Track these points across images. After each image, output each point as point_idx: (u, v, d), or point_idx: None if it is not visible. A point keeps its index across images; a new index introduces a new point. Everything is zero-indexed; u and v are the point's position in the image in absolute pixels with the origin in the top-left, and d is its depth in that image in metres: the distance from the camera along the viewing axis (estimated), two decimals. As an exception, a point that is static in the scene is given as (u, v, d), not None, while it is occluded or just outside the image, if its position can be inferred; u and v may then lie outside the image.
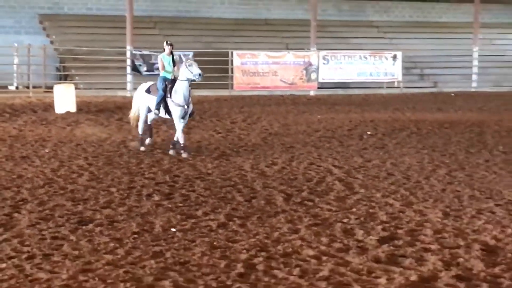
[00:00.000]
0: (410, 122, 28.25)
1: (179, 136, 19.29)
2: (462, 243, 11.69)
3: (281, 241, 11.69)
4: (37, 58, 40.17)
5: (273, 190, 15.59)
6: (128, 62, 41.02)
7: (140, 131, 20.45)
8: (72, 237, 11.77)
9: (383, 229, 12.47)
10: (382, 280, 9.84)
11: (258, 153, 20.61)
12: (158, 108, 19.49)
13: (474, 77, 47.32)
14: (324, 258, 10.82)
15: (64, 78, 40.64)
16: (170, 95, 19.14)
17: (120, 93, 40.00)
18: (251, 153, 20.57)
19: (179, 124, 19.17)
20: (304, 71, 43.26)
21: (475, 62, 47.52)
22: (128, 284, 9.54)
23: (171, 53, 19.84)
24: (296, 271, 10.19)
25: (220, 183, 16.31)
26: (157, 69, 41.01)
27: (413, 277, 9.97)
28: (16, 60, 40.37)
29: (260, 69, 42.47)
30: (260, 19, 48.81)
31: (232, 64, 42.17)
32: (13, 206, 13.83)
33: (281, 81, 42.80)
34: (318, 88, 42.96)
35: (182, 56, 20.50)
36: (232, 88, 41.89)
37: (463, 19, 51.03)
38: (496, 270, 10.35)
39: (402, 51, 45.51)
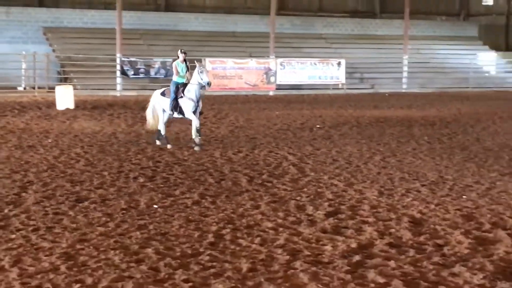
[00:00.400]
0: (351, 117, 28.36)
1: (193, 126, 18.53)
2: (393, 216, 11.75)
3: (245, 216, 11.69)
4: (41, 63, 40.11)
5: (238, 174, 15.59)
6: (118, 67, 41.12)
7: (162, 131, 19.20)
8: (71, 213, 11.72)
9: (329, 205, 12.51)
10: (328, 247, 9.87)
11: (226, 143, 20.61)
12: (172, 109, 18.63)
13: (404, 80, 47.61)
14: (280, 229, 10.84)
15: (64, 80, 40.47)
16: (184, 94, 18.42)
17: (111, 93, 40.26)
18: (220, 143, 20.55)
19: (193, 116, 18.43)
20: (265, 75, 43.47)
21: (405, 68, 47.83)
22: (117, 252, 9.51)
23: (185, 60, 18.91)
24: (257, 240, 10.20)
25: (195, 168, 16.29)
26: (142, 72, 41.88)
27: (353, 245, 10.01)
28: (23, 65, 40.24)
29: (228, 73, 42.71)
30: (228, 32, 48.84)
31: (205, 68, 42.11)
32: (21, 187, 13.76)
33: (245, 83, 42.97)
34: (276, 89, 43.15)
35: (196, 62, 19.33)
36: (204, 88, 41.79)
37: (395, 33, 51.31)
38: (421, 238, 10.42)
39: (345, 59, 45.89)
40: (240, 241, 10.15)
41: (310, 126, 25.07)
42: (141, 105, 32.76)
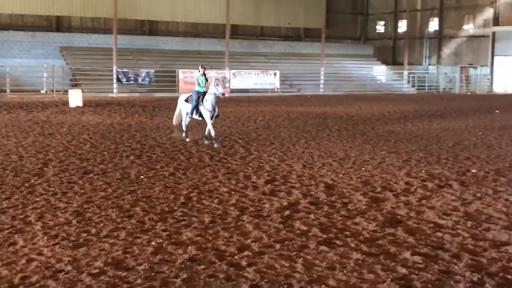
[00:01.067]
0: (284, 112, 28.41)
1: (210, 130, 16.94)
2: (313, 183, 11.83)
3: (207, 183, 11.67)
4: (58, 73, 39.42)
5: (202, 153, 15.53)
6: (114, 76, 40.82)
7: (184, 128, 17.91)
8: (80, 182, 11.57)
9: (268, 175, 12.55)
10: (267, 205, 9.91)
11: (193, 131, 20.43)
12: (192, 113, 17.27)
13: (321, 85, 47.79)
14: (233, 193, 10.85)
15: (75, 85, 39.84)
16: (203, 103, 16.94)
17: (109, 94, 39.79)
18: (189, 131, 20.40)
19: (209, 122, 16.91)
20: (222, 82, 43.41)
21: (322, 77, 48.03)
22: (114, 210, 9.45)
23: (204, 74, 17.48)
24: (216, 200, 10.20)
25: (171, 149, 16.18)
26: (132, 79, 41.59)
27: (285, 203, 10.07)
28: (45, 75, 39.50)
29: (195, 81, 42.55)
30: (195, 50, 48.52)
31: (178, 77, 42.10)
32: (43, 163, 13.53)
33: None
34: (230, 92, 42.93)
35: (213, 78, 18.64)
36: (178, 91, 41.78)
37: (315, 51, 51.40)
38: (333, 198, 10.51)
39: (279, 70, 46.03)
40: (204, 201, 10.14)
41: (254, 119, 25.06)
42: (131, 103, 32.57)
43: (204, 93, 17.09)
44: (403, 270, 6.83)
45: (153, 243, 7.76)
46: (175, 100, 35.89)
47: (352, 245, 7.79)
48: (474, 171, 13.40)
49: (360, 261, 7.14)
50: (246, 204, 9.95)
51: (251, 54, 50.34)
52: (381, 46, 60.07)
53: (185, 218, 9.02)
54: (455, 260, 7.21)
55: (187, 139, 17.69)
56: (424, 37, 57.35)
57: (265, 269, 6.81)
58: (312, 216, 9.24)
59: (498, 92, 51.16)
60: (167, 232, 8.24)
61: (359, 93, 46.70)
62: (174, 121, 18.72)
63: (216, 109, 17.01)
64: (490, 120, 25.63)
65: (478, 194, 10.93)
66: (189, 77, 42.24)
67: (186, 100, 17.73)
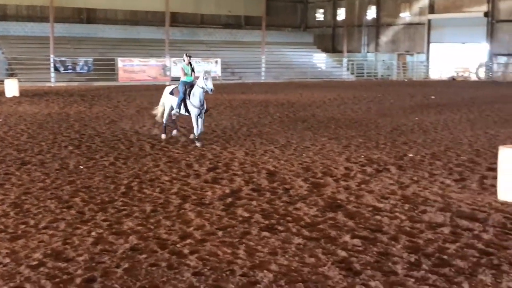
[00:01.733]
0: (225, 100, 28.37)
1: (194, 128, 15.01)
2: (255, 170, 11.88)
3: (148, 172, 11.57)
4: (-6, 62, 38.42)
5: (143, 142, 15.37)
6: (52, 65, 40.00)
7: (164, 121, 15.94)
8: (17, 173, 11.29)
9: (210, 163, 12.53)
10: (209, 193, 9.89)
11: (134, 119, 20.26)
12: (179, 107, 15.29)
13: (262, 73, 47.92)
14: (175, 181, 10.79)
15: (11, 75, 38.78)
16: (189, 97, 14.94)
17: (47, 84, 38.89)
18: (130, 120, 20.18)
19: (195, 121, 14.88)
20: (162, 70, 43.11)
21: (263, 65, 48.15)
22: (53, 201, 9.26)
23: (189, 63, 15.59)
24: (157, 189, 10.12)
25: (110, 138, 15.94)
26: (70, 68, 40.78)
27: (227, 190, 10.07)
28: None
29: (135, 69, 42.20)
30: (135, 39, 47.82)
31: (117, 66, 41.54)
32: (-22, 155, 13.15)
33: (148, 76, 42.42)
34: (171, 80, 42.69)
35: (202, 71, 15.31)
36: (118, 80, 41.32)
37: (256, 39, 51.43)
38: (274, 184, 10.59)
39: (220, 58, 45.95)
40: (145, 190, 10.04)
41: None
42: (70, 92, 31.90)
43: (192, 85, 15.16)
44: (343, 253, 6.94)
45: (93, 233, 7.64)
46: (115, 89, 35.64)
47: (294, 230, 7.86)
48: (411, 155, 13.72)
49: (301, 246, 7.22)
50: (188, 193, 9.90)
51: (191, 42, 49.96)
52: (321, 34, 60.62)
53: (126, 207, 8.92)
54: (393, 242, 7.37)
55: (163, 136, 15.83)
56: (363, 25, 58.19)
57: (207, 257, 6.81)
58: (254, 202, 9.28)
59: (434, 79, 52.45)
60: (108, 222, 8.13)
61: (300, 81, 47.05)
62: (159, 117, 16.54)
63: (205, 104, 15.16)
64: (426, 105, 26.25)
65: (415, 178, 11.20)
66: (128, 66, 41.89)
67: (172, 93, 15.80)
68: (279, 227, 7.97)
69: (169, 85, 16.07)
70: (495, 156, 11.07)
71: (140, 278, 6.16)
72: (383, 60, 56.29)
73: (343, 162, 12.80)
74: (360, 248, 7.15)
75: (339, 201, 9.41)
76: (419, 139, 16.25)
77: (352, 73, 53.78)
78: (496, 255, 6.91)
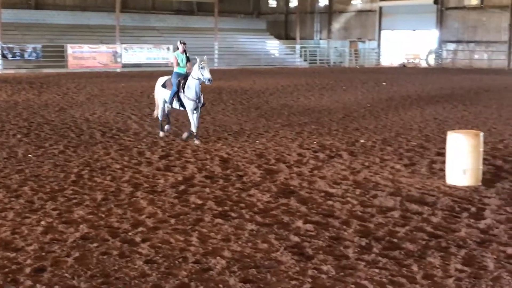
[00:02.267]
0: (178, 87, 28.13)
1: (191, 124, 13.43)
2: (208, 157, 11.86)
3: (99, 160, 11.43)
4: None
5: (94, 130, 15.16)
6: (-1, 51, 39.10)
7: (160, 117, 14.26)
8: (-38, 163, 11.01)
9: (162, 151, 12.45)
10: (161, 181, 9.84)
11: (84, 107, 19.95)
12: (171, 102, 13.69)
13: (215, 60, 47.73)
14: (126, 169, 10.69)
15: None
16: (184, 90, 13.35)
17: (-6, 71, 38.03)
18: (80, 107, 19.87)
19: (191, 115, 13.35)
20: (113, 57, 42.54)
21: (216, 51, 47.97)
22: (1, 190, 9.06)
23: (184, 51, 13.69)
24: (108, 177, 10.01)
25: (60, 126, 15.67)
26: (18, 55, 39.83)
27: (180, 178, 10.04)
28: None
29: (85, 55, 41.55)
30: (84, 25, 47.01)
31: (66, 53, 40.80)
32: None
33: (98, 62, 41.80)
34: (122, 67, 42.23)
35: (196, 57, 13.23)
36: (67, 67, 40.58)
37: (209, 26, 51.11)
38: (228, 171, 10.59)
39: (172, 44, 45.53)
40: (96, 178, 9.92)
41: (147, 94, 24.63)
42: (18, 80, 31.17)
43: (186, 76, 13.50)
44: (296, 238, 7.01)
45: (42, 222, 7.52)
46: (65, 76, 35.02)
47: (247, 216, 7.89)
48: (362, 141, 13.91)
49: (254, 232, 7.26)
50: (140, 180, 9.83)
51: (143, 28, 49.40)
52: (274, 21, 60.69)
53: (76, 196, 8.79)
54: (344, 227, 7.48)
55: (161, 134, 14.19)
56: (315, 12, 58.49)
57: (160, 244, 6.78)
58: (207, 189, 9.27)
59: (385, 65, 53.18)
60: (58, 211, 8.00)
61: (253, 67, 47.05)
62: (155, 113, 14.91)
63: (201, 97, 13.57)
64: (377, 92, 26.61)
65: (366, 163, 11.37)
66: (78, 52, 41.28)
67: (164, 85, 14.11)
68: (232, 214, 7.99)
69: (163, 76, 14.70)
70: (443, 141, 11.32)
71: (91, 267, 6.10)
72: (336, 47, 56.76)
73: (296, 148, 12.89)
74: (312, 233, 7.23)
75: (292, 187, 9.49)
76: (371, 125, 16.48)
77: (305, 60, 54.08)
78: (445, 238, 7.08)
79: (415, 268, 6.15)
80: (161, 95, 14.18)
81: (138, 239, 6.97)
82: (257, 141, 13.71)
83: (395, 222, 7.69)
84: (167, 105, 14.02)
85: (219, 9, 49.67)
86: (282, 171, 10.62)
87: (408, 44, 53.08)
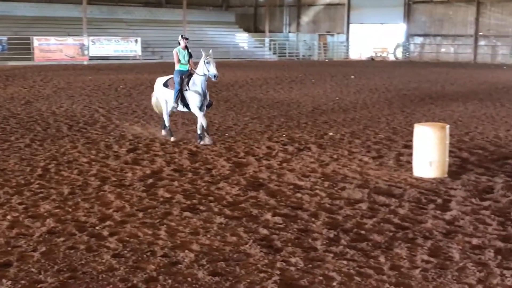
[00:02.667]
0: (146, 80, 27.83)
1: (202, 124, 12.33)
2: (177, 150, 11.81)
3: (66, 154, 11.30)
4: None
5: (60, 123, 14.98)
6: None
7: (166, 123, 12.93)
8: None
9: (130, 144, 12.36)
10: (129, 174, 9.78)
11: (51, 100, 19.69)
12: (176, 102, 12.46)
13: (184, 53, 47.48)
14: (93, 163, 10.59)
15: None
16: (188, 87, 12.24)
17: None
18: (46, 100, 19.61)
19: (198, 112, 12.22)
20: (80, 49, 42.01)
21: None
22: (-36, 185, 8.92)
23: (186, 46, 12.58)
24: (75, 171, 9.91)
25: (26, 120, 15.44)
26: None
27: (148, 171, 9.99)
28: None
29: (51, 48, 40.92)
30: (51, 17, 46.31)
31: (32, 45, 40.16)
32: None
33: (65, 55, 41.22)
34: (89, 60, 41.74)
35: (202, 51, 12.35)
36: (33, 60, 39.98)
37: (177, 18, 50.73)
38: (196, 165, 10.57)
39: (140, 37, 45.21)
40: (62, 172, 9.81)
41: (115, 87, 24.45)
42: (-18, 72, 30.70)
43: (190, 75, 12.40)
44: (265, 231, 7.03)
45: (8, 217, 7.41)
46: (31, 68, 34.50)
47: (216, 209, 7.88)
48: (331, 134, 13.99)
49: (223, 225, 7.26)
50: (107, 174, 9.75)
51: (110, 21, 48.88)
52: (243, 14, 60.58)
53: (42, 190, 8.69)
54: (313, 219, 7.53)
55: (172, 139, 12.76)
56: (284, 5, 58.55)
57: (127, 238, 6.74)
58: (176, 183, 9.24)
59: (353, 59, 53.51)
60: (24, 205, 7.89)
61: (222, 60, 46.75)
62: (156, 110, 13.88)
63: (208, 96, 12.50)
64: (346, 85, 26.78)
65: (335, 156, 11.45)
66: (45, 45, 40.70)
67: (166, 85, 12.91)
68: (201, 207, 7.98)
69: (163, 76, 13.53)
70: (410, 133, 11.44)
71: (58, 261, 6.04)
72: (305, 40, 56.90)
73: (265, 141, 12.91)
74: (281, 226, 7.25)
75: (261, 180, 9.50)
76: (339, 118, 16.58)
77: (274, 53, 54.11)
78: (411, 229, 7.17)
79: (382, 259, 6.22)
80: (163, 95, 12.89)
81: (105, 233, 6.91)
82: (226, 134, 13.69)
83: (363, 214, 7.76)
84: (172, 105, 12.67)
85: (188, 2, 49.39)
86: (251, 164, 10.63)
87: (376, 38, 53.47)
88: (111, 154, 11.31)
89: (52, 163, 10.48)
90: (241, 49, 54.69)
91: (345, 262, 6.12)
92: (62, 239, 6.67)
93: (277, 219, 7.49)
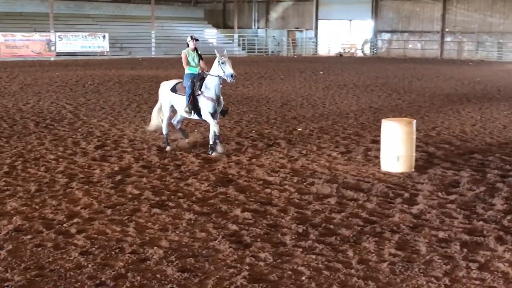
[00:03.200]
0: (114, 76, 27.70)
1: (216, 133, 11.05)
2: (146, 146, 11.75)
3: (33, 151, 11.15)
4: None
5: (27, 120, 14.76)
6: None
7: (164, 131, 11.58)
8: None
9: (98, 141, 12.25)
10: (97, 171, 9.70)
11: (17, 96, 19.39)
12: (189, 107, 11.01)
13: (152, 48, 47.14)
14: (61, 160, 10.47)
15: None
16: (201, 92, 10.95)
17: None
18: (13, 97, 19.30)
19: (211, 119, 10.97)
20: (47, 45, 41.36)
21: (153, 40, 47.35)
22: None
23: (195, 48, 11.51)
24: (42, 168, 9.80)
25: (-9, 116, 15.22)
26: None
27: (116, 168, 9.92)
28: None
29: (17, 44, 40.18)
30: (17, 12, 45.56)
31: (-2, 40, 39.59)
32: None
33: (31, 51, 40.56)
34: (56, 55, 41.17)
35: (216, 51, 11.18)
36: (-1, 56, 39.41)
37: (145, 14, 50.38)
38: (165, 161, 10.52)
39: (108, 33, 44.69)
40: (29, 169, 9.69)
41: (83, 83, 24.18)
42: None
43: (202, 78, 11.16)
44: (234, 227, 7.04)
45: (-27, 216, 7.30)
46: (-5, 65, 33.93)
47: (185, 205, 7.87)
48: (300, 129, 14.05)
49: (192, 221, 7.25)
50: (75, 171, 9.65)
51: (78, 16, 48.26)
52: (212, 9, 60.39)
53: (9, 187, 8.57)
54: (282, 214, 7.56)
55: (168, 148, 11.47)
56: (253, 1, 58.50)
57: (95, 235, 6.69)
58: (144, 179, 9.19)
59: (322, 55, 53.75)
60: (-11, 204, 7.78)
61: (191, 56, 46.65)
62: (153, 123, 12.15)
63: (222, 101, 11.28)
64: (315, 81, 26.90)
65: (304, 151, 11.50)
66: (11, 40, 40.05)
67: (174, 90, 11.45)
68: (170, 203, 7.95)
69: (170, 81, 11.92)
70: (378, 129, 11.55)
71: (25, 259, 5.97)
72: (273, 36, 56.96)
73: (235, 137, 12.92)
74: (250, 221, 7.27)
75: (230, 176, 9.51)
76: (308, 114, 16.65)
77: (244, 49, 54.04)
78: (379, 223, 7.25)
79: (350, 253, 6.28)
80: (170, 101, 11.49)
81: (73, 230, 6.85)
82: (195, 130, 13.65)
83: (331, 209, 7.82)
84: (184, 111, 11.20)
85: (156, -3, 49.08)
86: (221, 160, 10.62)
87: (344, 34, 53.81)
88: (79, 151, 11.20)
89: (19, 160, 10.33)
90: (210, 45, 54.43)
91: (313, 256, 6.16)
92: (29, 236, 6.59)
93: (246, 214, 7.51)
